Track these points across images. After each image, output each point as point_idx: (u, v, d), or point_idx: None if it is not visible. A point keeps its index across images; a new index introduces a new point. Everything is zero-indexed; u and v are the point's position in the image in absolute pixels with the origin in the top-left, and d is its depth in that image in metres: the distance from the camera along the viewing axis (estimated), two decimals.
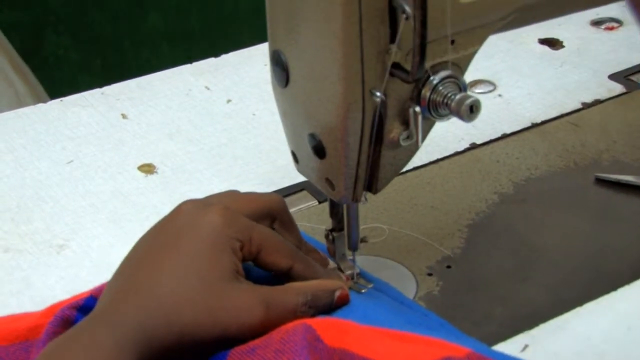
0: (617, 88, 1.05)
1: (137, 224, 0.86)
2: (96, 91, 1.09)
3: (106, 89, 1.09)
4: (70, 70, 2.43)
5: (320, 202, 0.88)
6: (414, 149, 0.70)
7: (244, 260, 0.64)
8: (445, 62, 0.66)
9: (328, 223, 0.83)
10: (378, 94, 0.64)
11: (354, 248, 0.75)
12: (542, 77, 1.07)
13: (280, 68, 0.68)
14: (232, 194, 0.70)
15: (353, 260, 0.75)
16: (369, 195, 0.71)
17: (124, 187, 0.92)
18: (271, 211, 0.69)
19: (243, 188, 0.89)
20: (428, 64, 0.64)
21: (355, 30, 0.62)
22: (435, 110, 0.66)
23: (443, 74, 0.66)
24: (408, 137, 0.67)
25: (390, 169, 0.70)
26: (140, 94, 1.08)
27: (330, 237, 0.75)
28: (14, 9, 2.32)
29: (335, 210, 0.75)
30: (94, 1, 2.39)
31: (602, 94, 1.04)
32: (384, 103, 0.65)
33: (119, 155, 0.97)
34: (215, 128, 1.01)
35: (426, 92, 0.66)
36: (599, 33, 1.17)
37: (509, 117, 1.00)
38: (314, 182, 0.73)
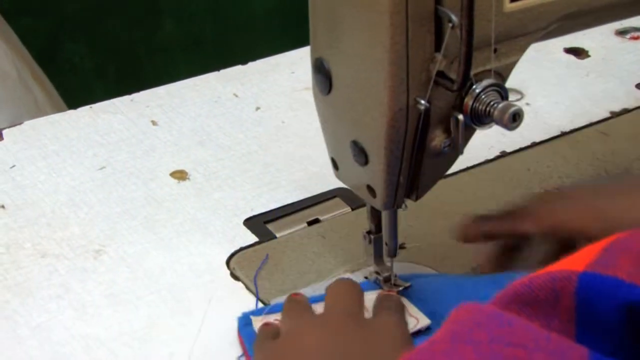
0: None
1: (172, 229, 0.87)
2: (125, 98, 1.10)
3: (135, 95, 1.10)
4: (85, 78, 2.44)
5: (353, 209, 0.89)
6: (455, 156, 0.70)
7: None
8: (488, 71, 0.67)
9: (361, 230, 0.84)
10: (422, 102, 0.65)
11: (393, 254, 0.75)
12: (569, 86, 1.08)
13: (323, 75, 0.69)
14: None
15: (391, 266, 0.76)
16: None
17: (157, 194, 0.92)
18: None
19: (276, 195, 0.90)
20: (471, 73, 0.65)
21: (402, 38, 0.62)
22: (478, 118, 0.67)
23: (486, 82, 0.66)
24: (450, 145, 0.68)
25: (431, 176, 0.70)
26: (169, 100, 1.09)
27: (368, 238, 0.76)
28: (30, 16, 2.33)
29: (373, 214, 0.75)
30: (109, 9, 2.40)
31: (630, 103, 1.04)
32: (427, 111, 0.65)
33: (150, 161, 0.97)
34: (246, 135, 1.02)
35: (469, 101, 0.66)
36: (624, 42, 1.18)
37: (537, 125, 1.01)
38: (354, 189, 0.73)
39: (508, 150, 0.96)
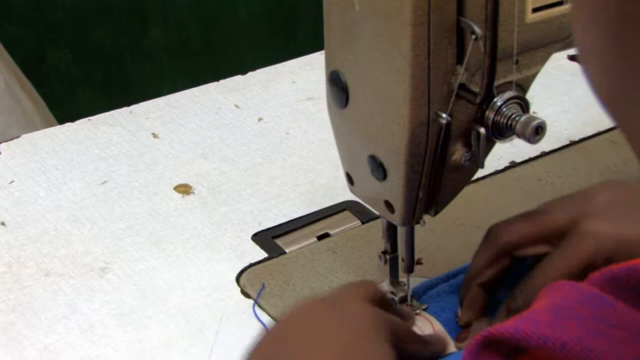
0: None
1: (179, 246, 0.85)
2: (124, 110, 1.08)
3: (134, 107, 1.08)
4: (71, 85, 2.41)
5: (363, 223, 0.87)
6: (475, 170, 0.69)
7: None
8: (509, 83, 0.65)
9: (373, 244, 0.83)
10: (444, 115, 0.63)
11: (410, 270, 0.73)
12: (575, 95, 1.06)
13: (339, 88, 0.67)
14: (343, 290, 0.66)
15: (407, 283, 0.74)
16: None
17: (162, 208, 0.90)
18: (378, 296, 0.65)
19: (284, 208, 0.88)
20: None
21: (424, 51, 0.61)
22: (499, 131, 0.65)
23: (507, 95, 0.65)
24: (471, 159, 0.66)
25: (450, 191, 0.69)
26: (169, 112, 1.07)
27: (384, 259, 0.74)
28: (15, 24, 2.30)
29: (389, 233, 0.73)
30: (94, 16, 2.38)
31: None
32: (448, 125, 0.64)
33: (153, 175, 0.95)
34: (249, 147, 1.00)
35: (490, 114, 0.65)
36: None
37: (546, 134, 0.99)
38: (371, 205, 0.71)
39: (517, 160, 0.95)
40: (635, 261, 0.49)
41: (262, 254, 0.83)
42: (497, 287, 0.71)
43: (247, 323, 0.75)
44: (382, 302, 0.65)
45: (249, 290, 0.79)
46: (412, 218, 0.69)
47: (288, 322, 0.62)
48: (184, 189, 0.93)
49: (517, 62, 0.65)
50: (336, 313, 0.60)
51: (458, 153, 0.66)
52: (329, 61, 0.68)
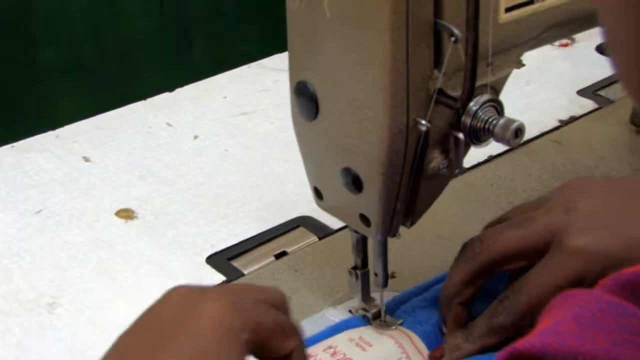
0: (589, 104, 1.05)
1: (129, 274, 0.80)
2: (49, 134, 1.02)
3: (60, 131, 1.03)
4: None
5: (320, 238, 0.84)
6: (450, 177, 0.67)
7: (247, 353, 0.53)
8: (484, 86, 0.63)
9: (334, 260, 0.80)
10: (423, 122, 0.61)
11: (384, 285, 0.71)
12: (513, 97, 1.06)
13: (307, 99, 0.64)
14: (228, 285, 0.59)
15: (380, 298, 0.71)
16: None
17: (105, 236, 0.85)
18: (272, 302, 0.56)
19: (235, 228, 0.85)
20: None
21: (403, 56, 0.58)
22: (476, 136, 0.63)
23: (482, 98, 0.63)
24: (448, 166, 0.64)
25: (427, 200, 0.67)
26: (98, 134, 1.02)
27: (355, 274, 0.71)
28: None
29: (360, 247, 0.71)
30: None
31: (576, 111, 1.03)
32: (427, 132, 0.61)
33: (90, 201, 0.90)
34: (188, 166, 0.96)
35: (466, 118, 0.63)
36: (556, 50, 1.17)
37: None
38: (344, 219, 0.69)
39: (467, 165, 0.93)
40: None
41: (220, 277, 0.79)
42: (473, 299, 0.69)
43: None
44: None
45: None
46: (389, 230, 0.66)
47: (144, 318, 0.55)
48: (126, 214, 0.88)
49: (490, 64, 0.63)
50: (187, 310, 0.52)
51: (435, 160, 0.64)
52: (294, 71, 0.65)
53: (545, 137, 0.98)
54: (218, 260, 0.82)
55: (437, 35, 0.60)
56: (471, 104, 0.62)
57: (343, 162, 0.64)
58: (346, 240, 0.82)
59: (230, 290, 0.56)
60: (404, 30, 0.58)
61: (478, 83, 0.63)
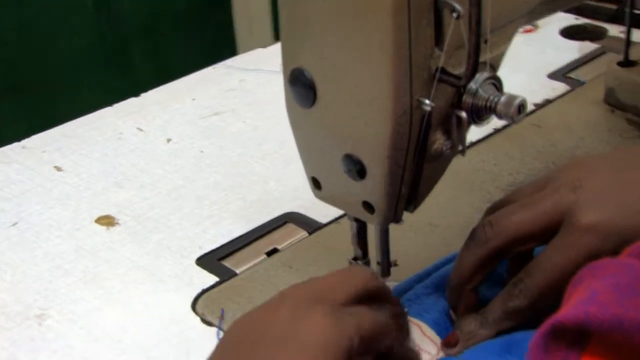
0: (561, 86, 1.05)
1: (117, 281, 0.78)
2: (15, 145, 0.99)
3: (26, 141, 1.00)
4: None
5: (310, 233, 0.82)
6: (452, 157, 0.66)
7: None
8: (483, 63, 0.62)
9: (327, 253, 0.78)
10: (427, 101, 0.60)
11: (387, 274, 0.69)
12: None
13: (304, 87, 0.62)
14: (323, 282, 0.59)
15: None
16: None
17: (88, 244, 0.83)
18: (367, 291, 0.59)
19: (221, 228, 0.83)
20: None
21: (405, 37, 0.57)
22: (477, 114, 0.62)
23: (483, 76, 0.62)
24: (452, 147, 0.63)
25: (430, 182, 0.65)
26: (67, 142, 0.99)
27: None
28: None
29: (360, 238, 0.69)
30: None
31: (549, 94, 1.03)
32: (430, 112, 0.60)
33: (68, 210, 0.88)
34: (165, 170, 0.93)
35: (467, 97, 0.62)
36: (519, 35, 1.16)
37: None
38: (344, 208, 0.67)
39: None
40: None
41: (212, 278, 0.77)
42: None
43: None
44: (373, 294, 0.59)
45: (209, 318, 0.73)
46: (394, 216, 0.65)
47: (225, 348, 0.56)
48: (107, 221, 0.86)
49: (486, 40, 0.63)
50: (285, 336, 0.53)
51: (438, 141, 0.63)
52: (288, 58, 0.63)
53: (525, 120, 0.97)
54: (208, 261, 0.80)
55: (437, 13, 0.59)
56: (471, 83, 0.61)
57: (344, 149, 0.63)
58: (338, 233, 0.81)
59: (330, 295, 0.56)
60: (405, 13, 0.56)
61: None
